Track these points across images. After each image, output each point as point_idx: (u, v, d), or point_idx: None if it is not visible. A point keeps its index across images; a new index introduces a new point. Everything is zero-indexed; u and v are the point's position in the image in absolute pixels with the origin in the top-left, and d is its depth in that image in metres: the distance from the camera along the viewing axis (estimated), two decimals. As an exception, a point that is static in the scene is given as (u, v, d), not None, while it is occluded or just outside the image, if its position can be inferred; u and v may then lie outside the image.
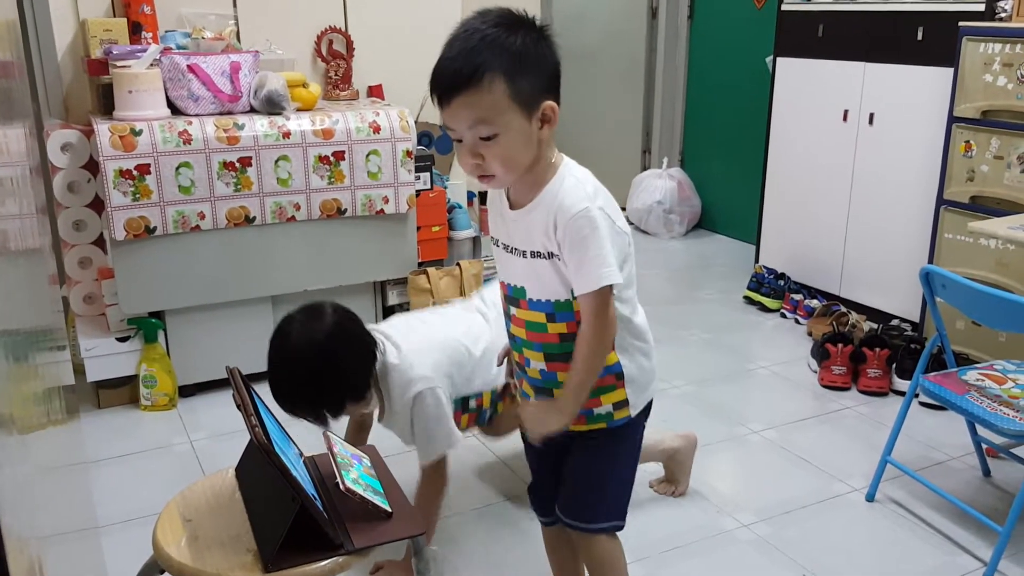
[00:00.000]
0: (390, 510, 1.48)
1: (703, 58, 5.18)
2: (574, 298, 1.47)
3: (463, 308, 2.30)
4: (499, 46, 1.34)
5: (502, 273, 1.58)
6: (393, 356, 1.97)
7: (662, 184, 5.06)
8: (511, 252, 1.53)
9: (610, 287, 1.42)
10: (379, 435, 2.70)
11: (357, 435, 2.31)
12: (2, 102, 1.25)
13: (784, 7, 3.89)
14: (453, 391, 2.05)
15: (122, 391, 3.02)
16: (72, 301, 3.03)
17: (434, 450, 2.01)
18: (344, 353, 1.87)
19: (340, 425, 2.27)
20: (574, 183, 1.44)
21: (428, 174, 3.32)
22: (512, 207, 1.51)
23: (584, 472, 1.65)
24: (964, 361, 2.89)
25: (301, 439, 1.67)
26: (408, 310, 3.33)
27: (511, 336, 1.62)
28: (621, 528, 1.68)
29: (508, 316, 1.60)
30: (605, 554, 1.68)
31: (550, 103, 1.40)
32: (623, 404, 1.58)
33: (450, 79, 1.36)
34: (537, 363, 1.57)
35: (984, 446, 2.55)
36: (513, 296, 1.56)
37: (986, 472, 2.58)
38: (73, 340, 2.97)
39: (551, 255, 1.46)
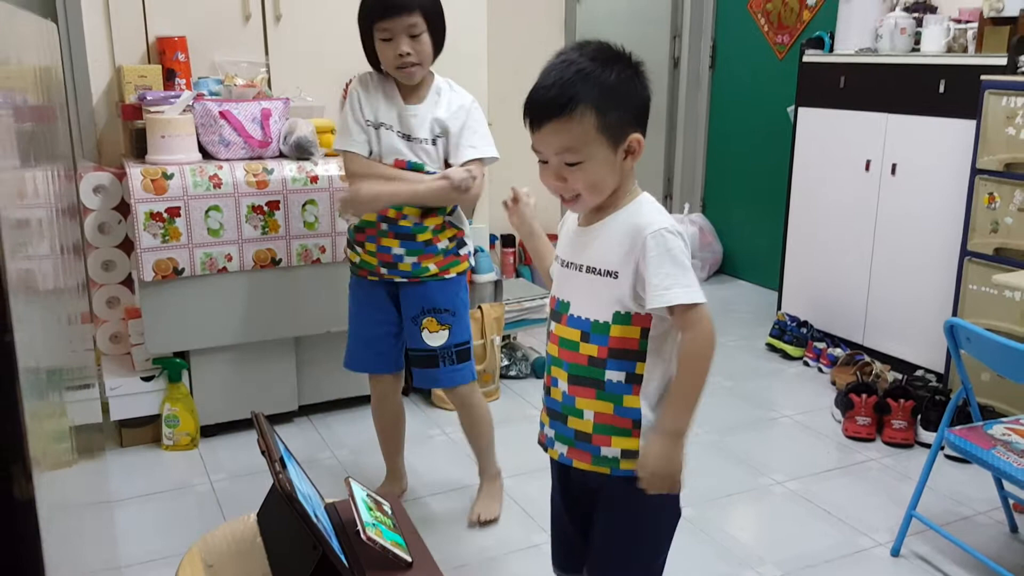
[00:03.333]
0: (410, 560, 1.48)
1: (724, 107, 5.22)
2: (613, 322, 1.49)
3: None
4: (593, 79, 1.41)
5: (554, 288, 1.62)
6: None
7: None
8: (567, 267, 1.57)
9: (693, 305, 1.43)
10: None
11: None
12: (32, 145, 1.29)
13: (806, 59, 3.92)
14: None
15: (145, 430, 3.04)
16: (99, 340, 3.07)
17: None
18: None
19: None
20: (656, 207, 1.51)
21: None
22: (580, 224, 1.57)
23: (607, 543, 1.61)
24: (990, 414, 2.86)
25: (322, 483, 1.68)
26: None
27: (547, 354, 1.63)
28: None
29: (548, 334, 1.62)
30: None
31: (636, 136, 1.47)
32: (633, 455, 1.53)
33: (543, 107, 1.44)
34: (562, 383, 1.57)
35: (1011, 501, 2.52)
36: (557, 311, 1.58)
37: (1013, 528, 2.54)
38: (99, 379, 3.00)
39: (610, 273, 1.49)
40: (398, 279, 2.41)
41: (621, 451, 1.54)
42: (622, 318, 1.50)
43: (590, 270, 1.52)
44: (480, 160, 2.35)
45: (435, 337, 2.43)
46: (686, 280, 1.44)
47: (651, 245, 1.44)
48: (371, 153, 2.35)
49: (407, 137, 2.33)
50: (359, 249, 2.43)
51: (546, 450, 1.66)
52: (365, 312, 2.50)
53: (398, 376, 2.61)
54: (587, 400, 1.54)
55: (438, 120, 2.34)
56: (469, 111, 2.38)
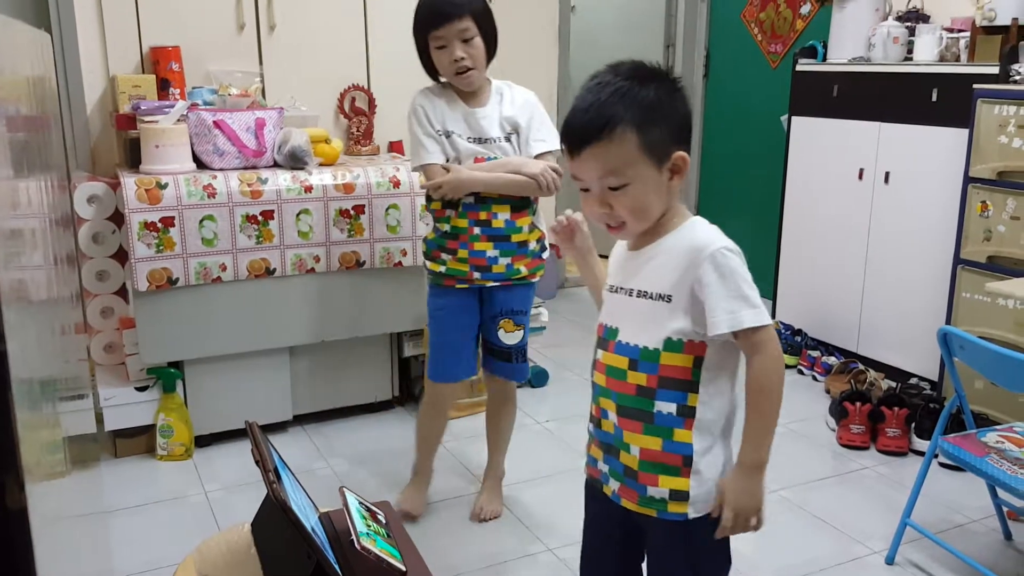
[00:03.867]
0: (404, 569, 1.48)
1: (718, 116, 5.24)
2: (664, 349, 1.41)
3: None
4: (631, 98, 1.37)
5: (603, 315, 1.55)
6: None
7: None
8: (616, 291, 1.51)
9: (759, 329, 1.36)
10: (398, 485, 2.70)
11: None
12: (25, 155, 1.29)
13: (799, 68, 3.94)
14: None
15: (139, 440, 3.03)
16: (93, 350, 3.06)
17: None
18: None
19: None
20: (709, 228, 1.44)
21: (446, 228, 3.36)
22: (630, 248, 1.51)
23: None
24: (983, 422, 2.86)
25: (317, 493, 1.67)
26: (423, 362, 3.35)
27: (593, 384, 1.54)
28: None
29: (594, 363, 1.54)
30: None
31: (680, 153, 1.41)
32: (682, 497, 1.43)
33: (581, 131, 1.39)
34: (611, 415, 1.48)
35: (1005, 509, 2.52)
36: (604, 338, 1.51)
37: (1007, 535, 2.54)
38: (93, 389, 2.99)
39: (662, 297, 1.41)
40: (490, 283, 2.43)
41: (669, 491, 1.44)
42: (673, 345, 1.41)
43: (641, 294, 1.45)
44: (551, 152, 2.40)
45: (511, 336, 2.50)
46: (752, 301, 1.37)
47: (711, 267, 1.37)
48: (448, 160, 2.37)
49: (479, 140, 2.39)
50: (446, 257, 2.43)
51: (601, 487, 1.55)
52: (452, 320, 2.50)
53: (458, 386, 2.64)
54: (634, 434, 1.45)
55: (507, 118, 2.40)
56: (535, 105, 2.45)
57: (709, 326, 1.37)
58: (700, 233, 1.42)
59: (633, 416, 1.45)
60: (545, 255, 2.52)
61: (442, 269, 2.45)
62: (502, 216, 2.38)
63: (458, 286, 2.44)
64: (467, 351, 2.53)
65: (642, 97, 1.37)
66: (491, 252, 2.39)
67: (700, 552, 1.49)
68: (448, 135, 2.38)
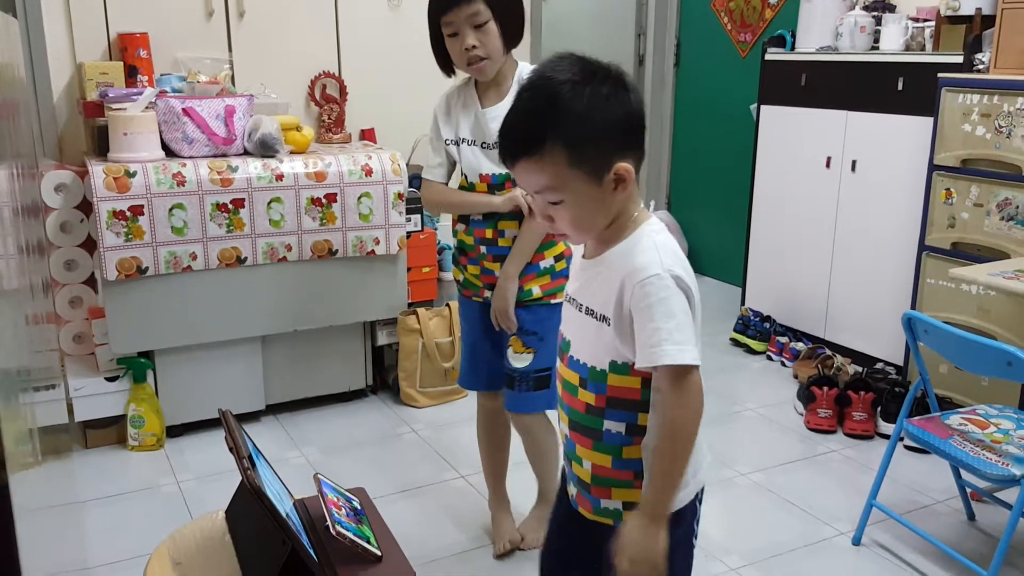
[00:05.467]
0: (380, 554, 1.49)
1: (689, 105, 5.27)
2: (611, 371, 1.35)
3: None
4: (563, 108, 1.26)
5: (563, 322, 1.49)
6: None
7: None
8: (569, 302, 1.45)
9: (683, 368, 1.26)
10: (373, 473, 2.70)
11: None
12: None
13: (768, 57, 3.97)
14: None
15: (110, 431, 3.01)
16: (62, 341, 3.03)
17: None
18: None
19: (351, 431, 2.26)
20: (648, 245, 1.32)
21: (419, 216, 3.36)
22: (585, 256, 1.44)
23: None
24: (947, 405, 2.92)
25: (291, 482, 1.68)
26: (397, 351, 3.36)
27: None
28: None
29: (557, 367, 1.50)
30: None
31: (623, 164, 1.29)
32: (635, 507, 1.35)
33: (512, 146, 1.32)
34: (563, 427, 1.46)
35: (968, 490, 2.58)
36: (561, 348, 1.47)
37: (971, 516, 2.60)
38: (63, 380, 2.96)
39: (604, 319, 1.34)
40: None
41: (623, 503, 1.42)
42: (619, 368, 1.35)
43: (588, 311, 1.38)
44: None
45: (518, 359, 2.25)
46: (679, 336, 1.26)
47: (640, 295, 1.28)
48: (450, 173, 2.25)
49: (486, 146, 2.17)
50: (465, 268, 2.32)
51: (564, 486, 1.55)
52: (476, 330, 2.36)
53: (502, 395, 2.40)
54: (585, 450, 1.42)
55: None
56: None
57: (636, 357, 1.31)
58: (641, 252, 1.31)
59: (583, 432, 1.42)
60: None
61: (461, 279, 2.34)
62: (510, 233, 2.18)
63: (474, 299, 2.33)
64: (495, 362, 2.33)
65: (572, 107, 1.26)
66: (499, 272, 2.21)
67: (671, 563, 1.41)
68: (459, 143, 2.21)
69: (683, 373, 1.27)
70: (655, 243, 1.33)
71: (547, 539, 1.66)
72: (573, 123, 1.26)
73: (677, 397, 1.28)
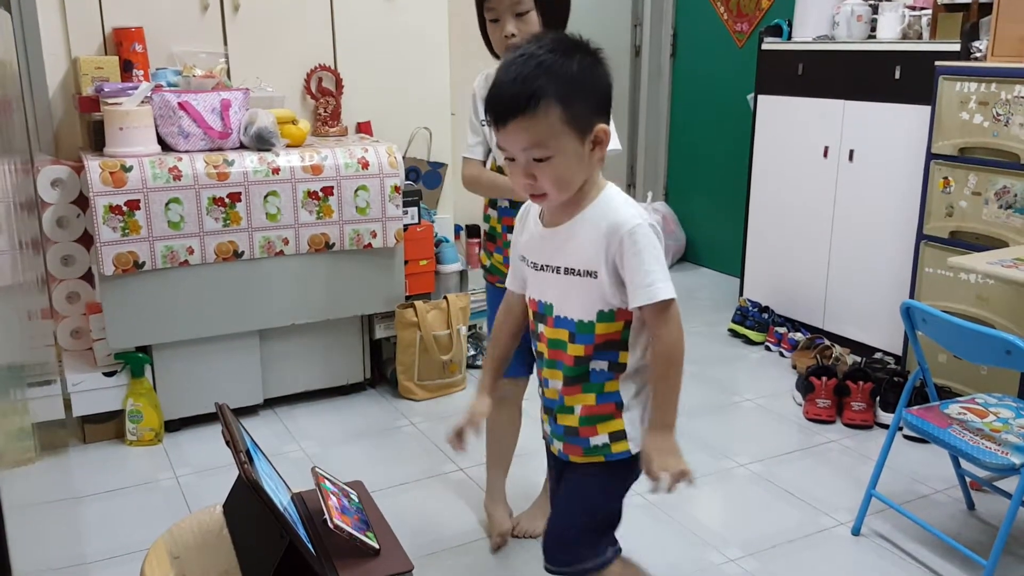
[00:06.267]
0: (378, 547, 1.49)
1: (686, 95, 5.26)
2: (598, 320, 1.50)
3: None
4: (555, 72, 1.39)
5: (531, 290, 1.61)
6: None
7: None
8: (542, 269, 1.56)
9: (670, 301, 1.45)
10: (371, 466, 2.70)
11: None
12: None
13: (765, 46, 3.96)
14: None
15: (108, 426, 3.01)
16: (59, 336, 3.03)
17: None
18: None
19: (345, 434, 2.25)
20: (624, 200, 1.50)
21: (416, 209, 3.35)
22: (546, 225, 1.55)
23: (568, 510, 1.64)
24: (946, 394, 2.92)
25: (289, 475, 1.67)
26: (395, 344, 3.35)
27: (537, 354, 1.63)
28: (619, 551, 1.66)
29: (536, 334, 1.62)
30: None
31: (603, 126, 1.45)
32: (620, 436, 1.56)
33: (507, 104, 1.41)
34: (555, 383, 1.59)
35: (968, 479, 2.58)
36: (542, 313, 1.58)
37: (970, 505, 2.60)
38: (60, 375, 2.96)
39: (589, 273, 1.49)
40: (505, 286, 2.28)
41: (609, 435, 1.57)
42: (606, 316, 1.51)
43: (568, 271, 1.52)
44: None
45: None
46: (664, 275, 1.45)
47: (629, 243, 1.45)
48: (488, 153, 2.24)
49: None
50: (491, 255, 2.33)
51: (549, 447, 1.68)
52: (494, 314, 2.34)
53: (522, 381, 2.38)
54: (574, 395, 1.57)
55: None
56: None
57: (631, 298, 1.47)
58: (616, 209, 1.48)
59: (573, 382, 1.56)
60: None
61: (487, 263, 2.36)
62: None
63: (498, 285, 2.29)
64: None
65: (565, 70, 1.40)
66: None
67: (628, 479, 1.61)
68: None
69: (668, 305, 1.46)
70: (625, 199, 1.51)
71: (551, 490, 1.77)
72: (567, 84, 1.39)
73: (667, 325, 1.47)
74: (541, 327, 1.59)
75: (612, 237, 1.46)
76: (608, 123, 1.47)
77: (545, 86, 1.38)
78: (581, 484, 1.63)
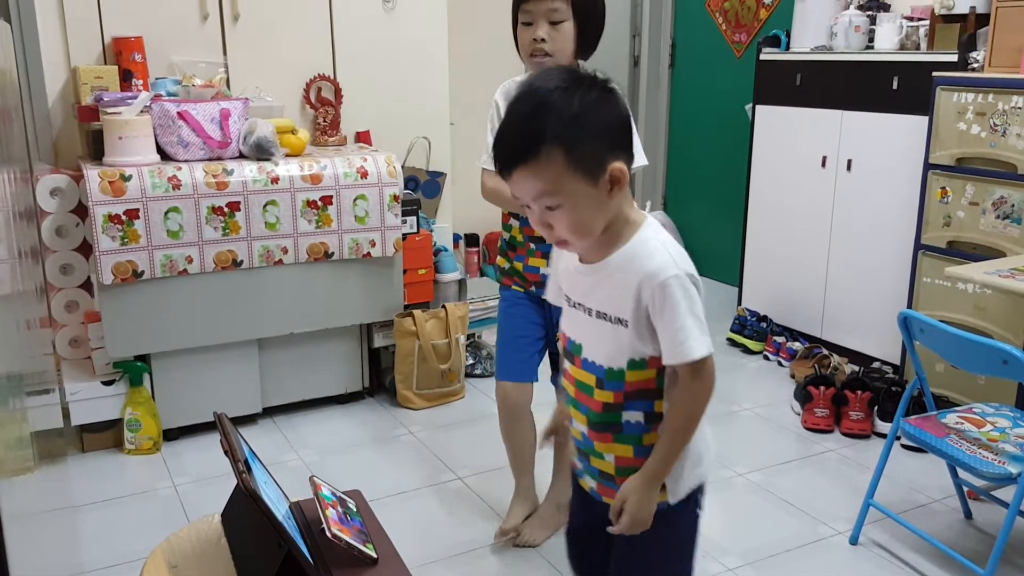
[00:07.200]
0: (376, 556, 1.49)
1: (684, 105, 5.28)
2: (629, 368, 1.41)
3: None
4: (555, 112, 1.29)
5: (564, 325, 1.53)
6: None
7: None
8: (575, 307, 1.47)
9: (703, 359, 1.35)
10: (369, 475, 2.70)
11: None
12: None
13: (763, 57, 3.98)
14: None
15: (106, 435, 3.01)
16: (58, 345, 3.03)
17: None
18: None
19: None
20: (660, 244, 1.38)
21: (415, 218, 3.36)
22: (581, 260, 1.45)
23: (625, 570, 1.54)
24: (944, 404, 2.92)
25: (287, 484, 1.67)
26: (394, 353, 3.36)
27: (563, 389, 1.55)
28: None
29: (563, 371, 1.54)
30: None
31: (617, 165, 1.33)
32: (660, 488, 1.45)
33: (508, 153, 1.33)
34: (580, 425, 1.50)
35: (965, 489, 2.58)
36: (570, 351, 1.50)
37: (968, 515, 2.60)
38: (59, 384, 2.96)
39: (620, 321, 1.39)
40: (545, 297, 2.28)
41: None
42: (637, 364, 1.41)
43: (600, 315, 1.42)
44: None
45: None
46: (698, 331, 1.34)
47: (661, 296, 1.34)
48: None
49: None
50: (511, 261, 2.34)
51: (577, 479, 1.60)
52: (509, 319, 2.38)
53: (527, 387, 2.41)
54: (606, 444, 1.47)
55: None
56: None
57: (663, 354, 1.37)
58: (653, 256, 1.36)
59: (602, 429, 1.46)
60: None
61: (506, 266, 2.35)
62: None
63: (515, 288, 2.34)
64: (524, 352, 2.36)
65: (566, 110, 1.29)
66: (544, 269, 2.21)
67: (680, 533, 1.53)
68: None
69: (703, 363, 1.36)
70: (662, 243, 1.38)
71: (571, 522, 1.70)
72: (567, 125, 1.29)
73: (698, 384, 1.38)
74: (568, 365, 1.51)
75: (644, 288, 1.35)
76: (628, 158, 1.36)
77: (545, 129, 1.29)
78: (636, 546, 1.50)
